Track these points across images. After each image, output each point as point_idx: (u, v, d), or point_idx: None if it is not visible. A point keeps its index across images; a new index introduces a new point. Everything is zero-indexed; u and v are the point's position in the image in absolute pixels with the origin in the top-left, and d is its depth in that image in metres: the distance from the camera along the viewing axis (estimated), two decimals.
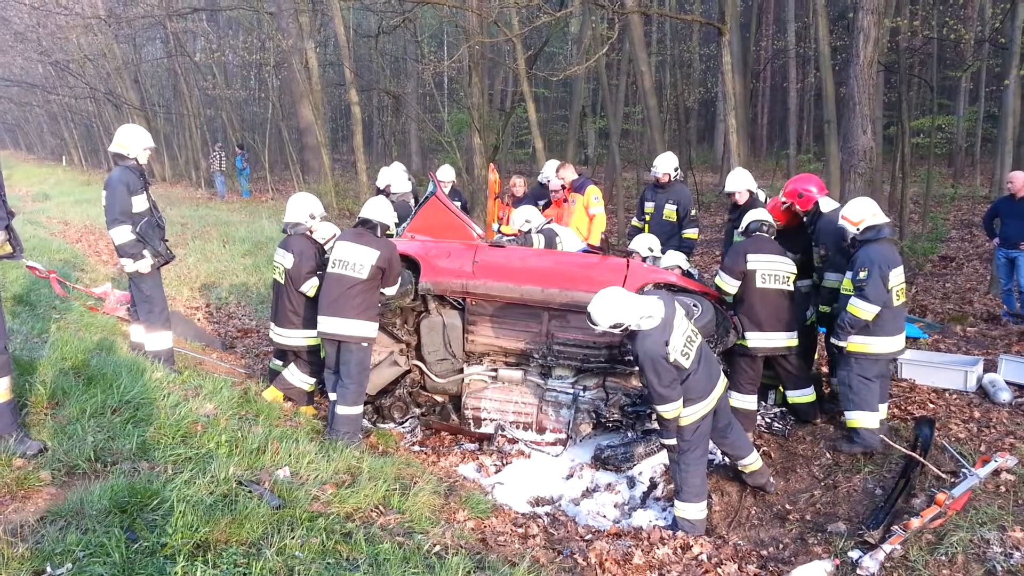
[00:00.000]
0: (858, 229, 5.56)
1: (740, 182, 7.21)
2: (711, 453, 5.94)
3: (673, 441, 4.92)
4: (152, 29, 26.11)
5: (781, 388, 6.41)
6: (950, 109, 21.51)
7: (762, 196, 7.31)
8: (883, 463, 5.40)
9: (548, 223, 7.57)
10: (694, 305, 6.00)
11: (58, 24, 24.22)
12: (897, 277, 5.43)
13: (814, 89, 23.24)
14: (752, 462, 5.37)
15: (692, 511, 4.99)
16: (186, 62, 24.46)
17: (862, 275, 5.40)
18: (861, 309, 5.38)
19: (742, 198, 7.19)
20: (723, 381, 5.09)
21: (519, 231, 7.36)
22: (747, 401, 6.01)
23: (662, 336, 4.66)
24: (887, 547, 4.33)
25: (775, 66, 26.94)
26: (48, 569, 3.03)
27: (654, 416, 6.14)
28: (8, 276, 8.32)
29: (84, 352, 5.63)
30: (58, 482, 3.85)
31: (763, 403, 6.40)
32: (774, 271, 5.92)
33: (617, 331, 4.75)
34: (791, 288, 6.00)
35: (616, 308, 4.69)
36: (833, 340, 5.69)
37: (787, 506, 5.26)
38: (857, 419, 5.55)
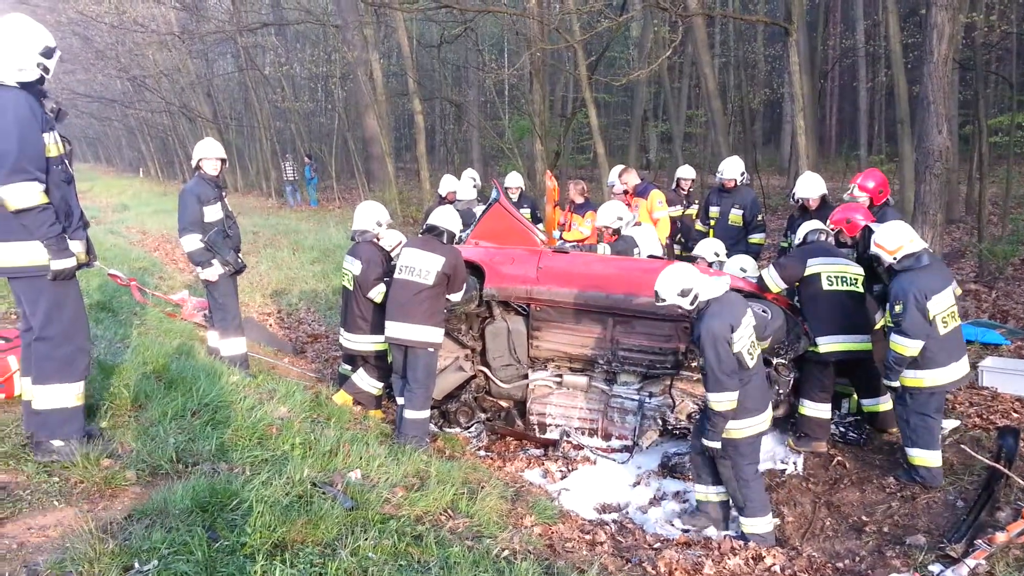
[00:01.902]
0: (895, 258, 5.22)
1: (812, 188, 7.05)
2: (783, 463, 5.84)
3: (716, 444, 4.78)
4: (223, 44, 27.01)
5: (855, 396, 6.24)
6: None
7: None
8: (964, 474, 5.20)
9: (633, 224, 7.45)
10: (763, 311, 5.89)
11: (135, 41, 25.29)
12: (940, 304, 5.07)
13: (885, 88, 22.51)
14: (718, 494, 5.15)
15: (760, 525, 4.91)
16: (256, 75, 25.18)
17: (898, 309, 5.11)
18: (902, 345, 5.09)
19: (814, 204, 7.03)
20: (770, 410, 4.96)
21: (605, 227, 7.29)
22: (820, 410, 5.86)
23: (729, 319, 4.61)
24: (970, 562, 4.17)
25: (843, 65, 26.19)
26: (136, 565, 3.14)
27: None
28: (91, 284, 8.71)
29: (164, 357, 5.86)
30: (143, 482, 4.01)
31: (837, 412, 6.24)
32: (840, 272, 5.79)
33: (685, 301, 4.75)
34: (860, 290, 5.82)
35: (683, 277, 4.77)
36: (885, 381, 5.40)
37: (863, 517, 5.10)
38: (918, 457, 5.23)
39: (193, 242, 6.33)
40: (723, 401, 4.65)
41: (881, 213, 6.40)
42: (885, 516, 5.06)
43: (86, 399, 4.25)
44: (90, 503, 3.73)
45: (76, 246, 4.08)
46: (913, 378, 5.18)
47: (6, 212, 3.81)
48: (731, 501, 5.08)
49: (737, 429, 4.76)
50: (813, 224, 6.20)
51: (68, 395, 4.03)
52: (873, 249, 5.40)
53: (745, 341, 4.67)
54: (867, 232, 6.01)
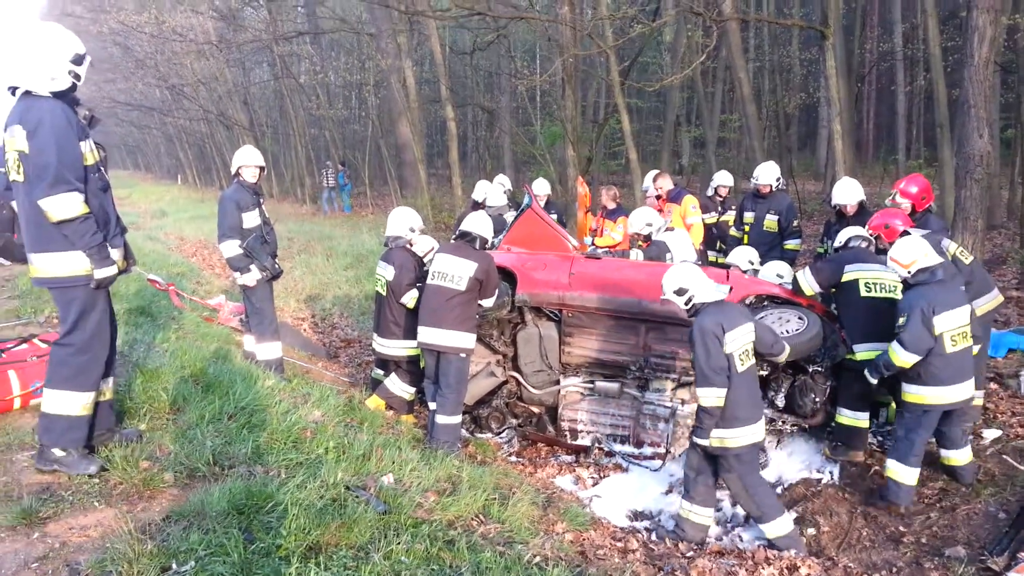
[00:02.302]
0: (909, 272, 5.16)
1: (850, 193, 6.95)
2: (819, 472, 5.76)
3: (705, 442, 4.84)
4: (260, 53, 27.43)
5: (894, 405, 6.12)
6: None
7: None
8: (1006, 485, 5.08)
9: (664, 229, 7.42)
10: (799, 318, 5.83)
11: (174, 51, 25.84)
12: (950, 321, 4.98)
13: (924, 92, 22.11)
14: (698, 514, 5.09)
15: (781, 527, 4.90)
16: (291, 83, 25.55)
17: (901, 321, 5.09)
18: (897, 355, 5.06)
19: (852, 210, 6.93)
20: (762, 432, 4.93)
21: (636, 234, 7.27)
22: (858, 418, 5.75)
23: (721, 320, 4.73)
24: (1013, 575, 4.07)
25: (881, 69, 25.82)
26: (173, 566, 3.19)
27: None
28: (130, 288, 8.88)
29: (202, 361, 5.95)
30: (180, 484, 4.07)
31: (875, 420, 6.13)
32: (877, 280, 5.71)
33: (681, 300, 4.94)
34: (898, 297, 5.72)
35: (683, 276, 4.95)
36: (867, 373, 5.38)
37: (901, 528, 5.01)
38: (891, 469, 5.16)
39: (232, 248, 6.42)
40: (710, 397, 4.74)
41: (923, 219, 6.28)
42: (923, 527, 4.96)
43: (116, 402, 4.32)
44: (129, 504, 3.80)
45: (114, 253, 4.11)
46: (914, 394, 5.12)
47: (45, 223, 3.84)
48: (746, 512, 5.12)
49: (732, 439, 4.79)
50: (854, 230, 6.12)
51: (75, 403, 4.01)
52: (888, 263, 5.38)
53: (738, 346, 4.74)
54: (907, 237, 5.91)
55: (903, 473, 5.10)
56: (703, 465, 5.03)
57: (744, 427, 4.78)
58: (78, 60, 3.93)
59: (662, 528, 5.36)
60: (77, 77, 3.95)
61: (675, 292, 4.98)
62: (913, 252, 5.17)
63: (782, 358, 5.20)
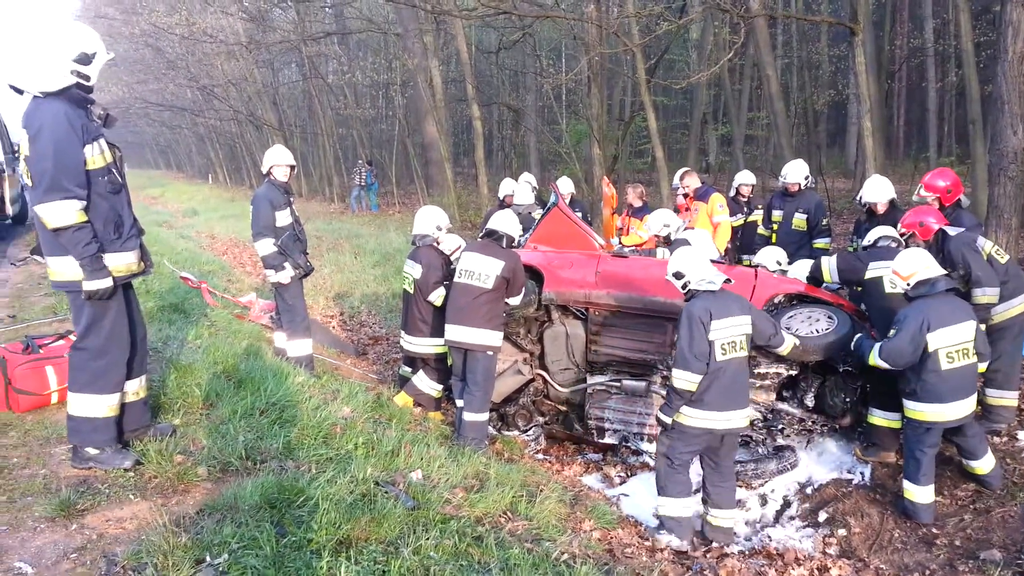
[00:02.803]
0: (908, 284, 5.10)
1: (881, 191, 6.86)
2: (849, 473, 5.71)
3: (668, 420, 4.93)
4: (288, 54, 27.70)
5: None
6: None
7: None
8: None
9: (684, 229, 7.39)
10: (828, 317, 5.77)
11: (204, 52, 26.18)
12: (946, 338, 4.88)
13: (955, 88, 21.74)
14: (721, 516, 5.05)
15: (674, 508, 4.99)
16: (319, 84, 25.76)
17: (891, 332, 5.05)
18: (873, 356, 5.11)
19: (882, 208, 6.84)
20: (743, 420, 4.92)
21: (657, 236, 7.26)
22: (890, 418, 5.68)
23: (711, 307, 4.79)
24: None
25: (911, 65, 25.41)
26: (207, 559, 3.24)
27: (785, 432, 5.97)
28: (164, 286, 9.03)
29: (234, 357, 6.04)
30: (213, 478, 4.13)
31: None
32: None
33: (679, 284, 5.04)
34: None
35: (684, 260, 5.03)
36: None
37: (934, 530, 4.94)
38: (906, 489, 5.09)
39: (267, 246, 6.52)
40: (683, 379, 4.78)
41: (954, 215, 6.19)
42: (957, 529, 4.89)
43: (151, 397, 4.37)
44: (164, 497, 3.87)
45: (128, 256, 4.06)
46: (913, 410, 5.06)
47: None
48: (656, 481, 5.15)
49: (687, 416, 4.85)
50: (884, 229, 6.07)
51: (100, 406, 4.03)
52: (889, 275, 5.36)
53: (724, 335, 4.78)
54: (941, 236, 5.84)
55: (917, 493, 5.02)
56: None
57: (705, 411, 4.82)
58: (84, 59, 3.81)
59: (650, 530, 5.30)
60: (84, 77, 3.83)
61: (674, 275, 5.09)
62: (914, 264, 5.09)
63: (783, 350, 5.21)
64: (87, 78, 3.85)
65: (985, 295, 5.53)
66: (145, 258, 4.25)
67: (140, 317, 4.40)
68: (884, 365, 5.06)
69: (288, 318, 6.76)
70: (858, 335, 5.40)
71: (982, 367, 5.10)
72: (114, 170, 4.00)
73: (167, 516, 3.52)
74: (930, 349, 4.89)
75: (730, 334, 4.81)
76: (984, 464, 5.16)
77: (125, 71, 33.72)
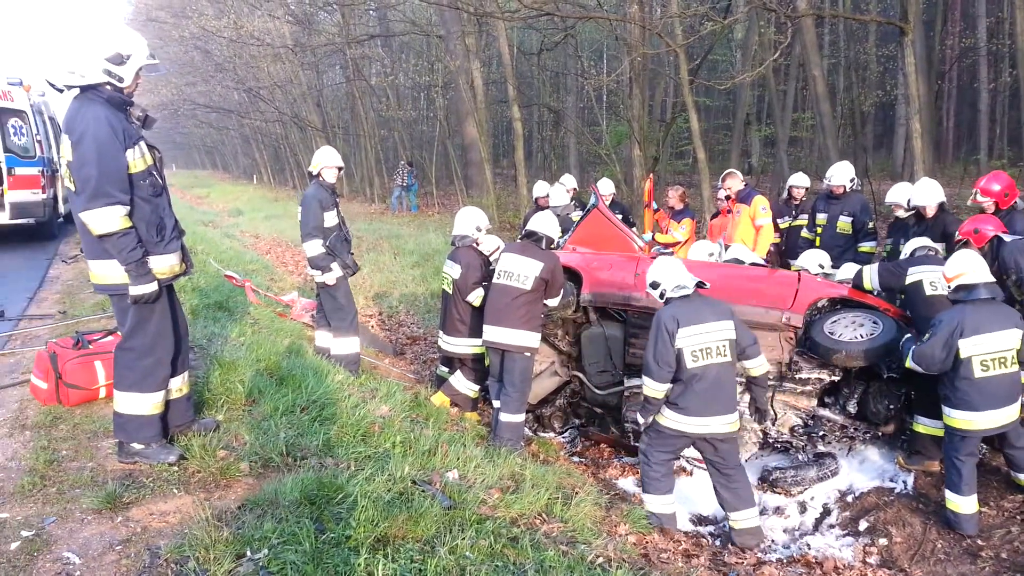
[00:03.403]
0: (950, 287, 5.01)
1: (930, 195, 6.70)
2: (892, 481, 5.59)
3: (642, 422, 5.07)
4: (333, 56, 28.04)
5: None
6: None
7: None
8: None
9: (723, 250, 7.34)
10: (873, 322, 5.66)
11: (251, 55, 26.67)
12: (981, 345, 4.75)
13: (1009, 89, 21.13)
14: (741, 519, 4.97)
15: (656, 504, 5.08)
16: (363, 86, 26.03)
17: (926, 336, 4.96)
18: (908, 359, 5.07)
19: (931, 212, 6.69)
20: (725, 425, 4.84)
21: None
22: (936, 426, 5.54)
23: (679, 314, 4.83)
24: None
25: (963, 65, 24.78)
26: (248, 553, 3.29)
27: (826, 439, 5.86)
28: (210, 284, 9.22)
29: (276, 355, 6.14)
30: (255, 473, 4.21)
31: None
32: (942, 279, 5.54)
33: (656, 293, 5.11)
34: None
35: (660, 269, 5.12)
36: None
37: (979, 542, 4.81)
38: (948, 500, 4.96)
39: (316, 247, 6.58)
40: (650, 387, 4.89)
41: (1009, 219, 6.04)
42: (1003, 541, 4.75)
43: (195, 393, 4.44)
44: (206, 492, 3.94)
45: (171, 259, 4.10)
46: (949, 416, 4.94)
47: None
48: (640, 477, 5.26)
49: (665, 417, 4.92)
50: (920, 241, 6.08)
51: (146, 404, 4.11)
52: (930, 278, 5.42)
53: (693, 342, 4.77)
54: (997, 242, 5.70)
55: (960, 503, 4.90)
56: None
57: (684, 416, 4.84)
58: (118, 60, 3.80)
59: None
60: (116, 77, 3.82)
61: (651, 285, 5.16)
62: (961, 266, 4.96)
63: (752, 365, 5.04)
64: (120, 79, 3.83)
65: None
66: (186, 258, 4.30)
67: (182, 316, 4.48)
68: (917, 368, 4.98)
69: (339, 316, 6.79)
70: (906, 337, 5.31)
71: None
72: (155, 172, 4.03)
73: (209, 510, 3.59)
74: (962, 355, 4.78)
75: (702, 340, 4.80)
76: None
77: (175, 73, 34.50)
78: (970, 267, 4.94)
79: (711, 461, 5.04)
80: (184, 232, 4.37)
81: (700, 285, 5.04)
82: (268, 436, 4.54)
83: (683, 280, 4.98)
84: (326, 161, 6.70)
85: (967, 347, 4.78)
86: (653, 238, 9.02)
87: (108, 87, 3.83)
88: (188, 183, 43.77)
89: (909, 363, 5.06)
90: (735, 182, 8.61)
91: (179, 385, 4.39)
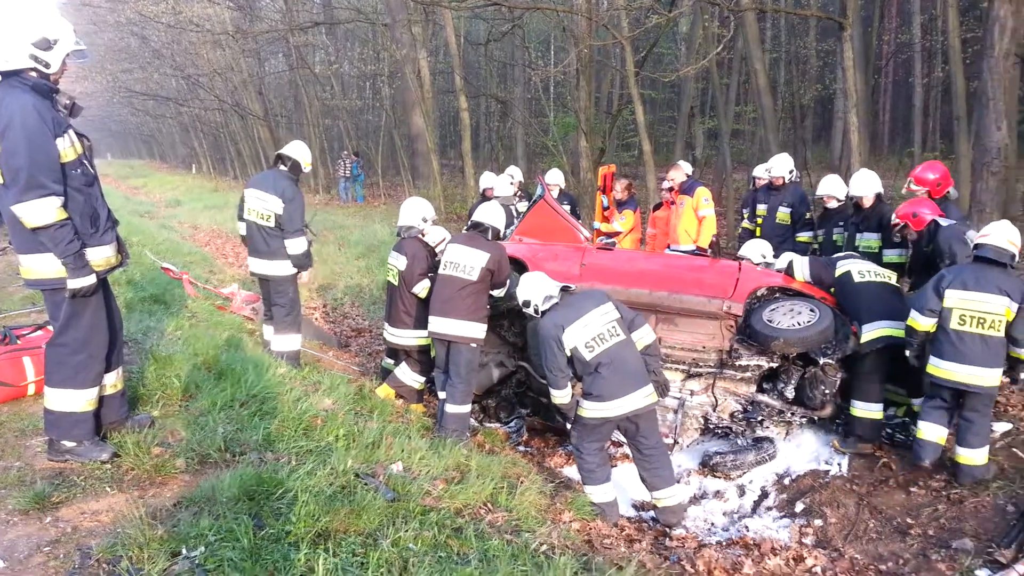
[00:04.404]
0: (976, 244, 5.27)
1: (868, 185, 6.90)
2: (827, 464, 5.76)
3: (567, 422, 5.23)
4: (275, 43, 27.49)
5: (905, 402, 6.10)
6: None
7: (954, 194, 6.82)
8: (1016, 478, 5.05)
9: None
10: (811, 310, 5.81)
11: (190, 41, 25.96)
12: (963, 299, 5.02)
13: (942, 84, 21.87)
14: (664, 497, 5.12)
15: (598, 494, 5.16)
16: (306, 74, 25.58)
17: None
18: (911, 318, 5.27)
19: (868, 202, 6.89)
20: (644, 399, 4.95)
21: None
22: (872, 410, 5.73)
23: (560, 320, 4.97)
24: (1020, 567, 4.07)
25: (899, 60, 25.54)
26: (183, 551, 3.22)
27: (764, 424, 6.01)
28: (146, 277, 8.97)
29: (214, 348, 6.00)
30: (192, 470, 4.11)
31: (886, 413, 6.10)
32: (867, 268, 5.96)
33: (529, 311, 5.23)
34: (893, 283, 6.02)
35: (525, 288, 5.23)
36: (907, 352, 5.45)
37: (908, 520, 4.99)
38: (959, 454, 5.17)
39: (303, 243, 6.45)
40: (556, 395, 5.08)
41: (943, 207, 6.26)
42: (931, 519, 4.94)
43: (129, 389, 4.33)
44: (140, 490, 3.84)
45: (106, 250, 3.99)
46: (928, 363, 5.22)
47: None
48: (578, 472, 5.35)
49: (586, 409, 5.00)
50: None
51: (78, 400, 3.99)
52: (857, 267, 5.75)
53: (580, 337, 4.92)
54: (934, 227, 5.91)
55: (924, 429, 5.24)
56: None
57: (600, 403, 4.93)
58: (44, 45, 3.67)
59: None
60: (43, 63, 3.69)
61: (524, 305, 5.27)
62: (988, 228, 5.21)
63: (640, 336, 5.16)
64: (46, 65, 3.71)
65: None
66: (122, 250, 4.19)
67: (117, 309, 4.35)
68: (921, 317, 5.18)
69: (286, 311, 6.62)
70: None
71: (1020, 352, 5.02)
72: (85, 161, 3.90)
73: (143, 508, 3.50)
74: (945, 304, 5.09)
75: (590, 331, 4.93)
76: (967, 454, 5.11)
77: (110, 59, 33.40)
78: (994, 231, 5.15)
79: (634, 443, 5.14)
80: (118, 222, 4.24)
81: (565, 288, 5.23)
82: (206, 432, 4.44)
83: (549, 290, 5.16)
84: (307, 156, 6.70)
85: (951, 298, 5.06)
86: (598, 228, 9.07)
87: (34, 73, 3.69)
88: (124, 173, 42.46)
89: (912, 319, 5.24)
90: (678, 174, 8.72)
91: (113, 381, 4.27)
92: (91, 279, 3.85)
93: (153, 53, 29.85)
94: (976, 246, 5.18)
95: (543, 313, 5.14)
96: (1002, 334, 4.98)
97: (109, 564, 3.12)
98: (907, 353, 5.40)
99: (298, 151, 6.66)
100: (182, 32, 24.86)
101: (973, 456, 5.09)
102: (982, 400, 5.08)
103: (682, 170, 8.85)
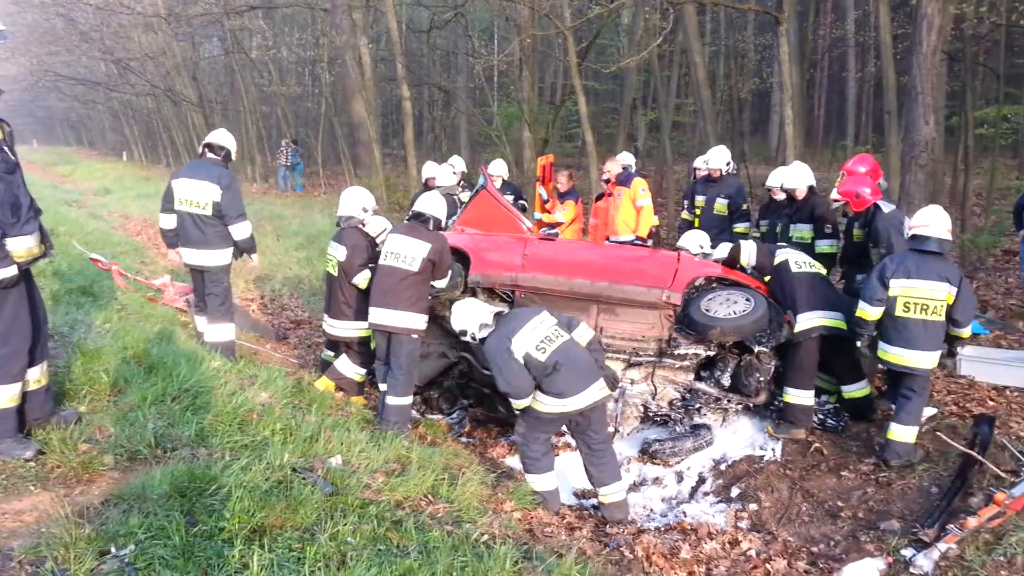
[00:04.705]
0: (910, 233, 5.42)
1: (800, 178, 7.07)
2: (761, 449, 5.90)
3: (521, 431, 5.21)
4: (210, 27, 26.68)
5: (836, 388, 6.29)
6: (1017, 98, 20.69)
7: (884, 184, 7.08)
8: (940, 461, 5.26)
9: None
10: (746, 299, 5.93)
11: (120, 23, 24.98)
12: (905, 288, 5.22)
13: (874, 79, 22.55)
14: (610, 493, 5.21)
15: (539, 483, 5.20)
16: (242, 59, 24.92)
17: (867, 277, 5.49)
18: (859, 307, 5.43)
19: (801, 194, 7.06)
20: (598, 392, 5.03)
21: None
22: (804, 396, 5.89)
23: (504, 333, 5.00)
24: (942, 546, 4.24)
25: (833, 55, 26.25)
26: (112, 550, 3.14)
27: (702, 411, 6.13)
28: (73, 268, 8.64)
29: (145, 342, 5.82)
30: (121, 467, 4.01)
31: (817, 400, 6.28)
32: (803, 259, 6.11)
33: (467, 337, 5.29)
34: (824, 273, 6.21)
35: (461, 318, 5.30)
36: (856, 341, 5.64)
37: (839, 503, 5.16)
38: (891, 430, 5.38)
39: (248, 228, 6.55)
40: (517, 404, 5.07)
41: None
42: (860, 502, 5.12)
43: (55, 384, 4.18)
44: (67, 488, 3.73)
45: (28, 240, 3.87)
46: (879, 348, 5.46)
47: None
48: (520, 461, 5.40)
49: (543, 404, 5.00)
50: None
51: (1, 396, 3.89)
52: (794, 258, 5.94)
53: (528, 342, 4.94)
54: (874, 211, 6.10)
55: (899, 432, 5.36)
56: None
57: (559, 399, 4.94)
58: None
59: None
60: None
61: (460, 335, 5.37)
62: (922, 218, 5.37)
63: (580, 335, 5.25)
64: None
65: None
66: (45, 239, 4.05)
67: (40, 302, 4.21)
68: (869, 307, 5.33)
69: (220, 301, 6.57)
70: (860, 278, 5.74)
71: (962, 332, 5.33)
72: (6, 148, 3.77)
73: (69, 507, 3.40)
74: (890, 293, 5.27)
75: (537, 335, 4.98)
76: (898, 431, 5.31)
77: (34, 42, 31.93)
78: (931, 221, 5.31)
79: (583, 437, 5.16)
80: (41, 211, 4.09)
81: (498, 314, 5.27)
82: (135, 427, 4.32)
83: (483, 318, 5.22)
84: (235, 144, 6.79)
85: (896, 287, 5.25)
86: (539, 220, 9.10)
87: None
88: (50, 160, 40.73)
89: (861, 309, 5.39)
90: (614, 166, 8.79)
91: (37, 376, 4.13)
92: (11, 270, 3.74)
93: (80, 36, 28.58)
94: (915, 237, 5.32)
95: (483, 339, 5.17)
96: (943, 318, 5.22)
97: (32, 566, 3.02)
98: (858, 344, 5.58)
99: (228, 139, 6.70)
100: (111, 14, 23.92)
101: (902, 433, 5.30)
102: (919, 381, 5.33)
103: (618, 162, 8.92)
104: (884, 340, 5.38)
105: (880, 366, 5.72)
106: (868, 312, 5.36)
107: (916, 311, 5.22)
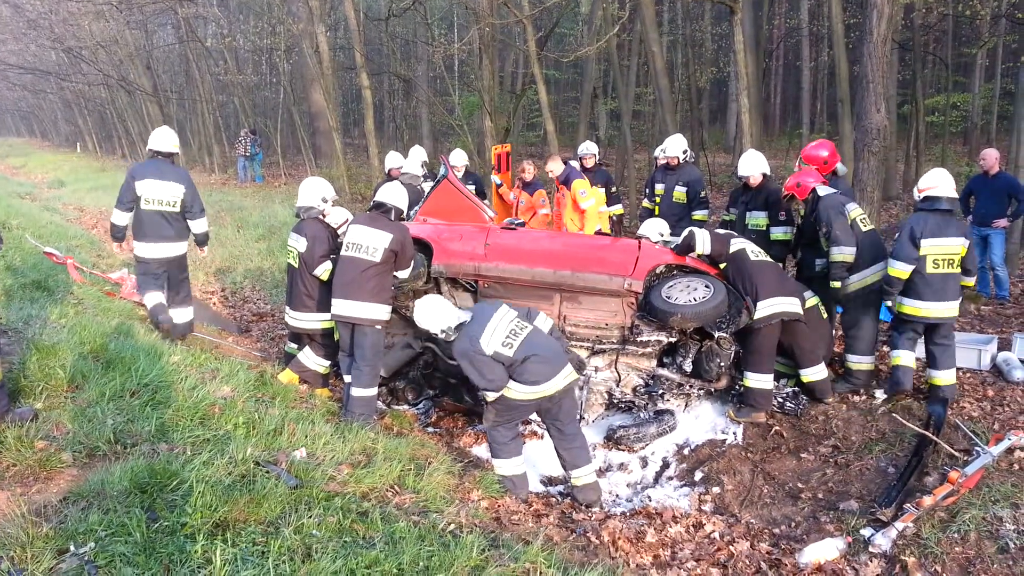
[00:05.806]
0: (919, 196, 5.86)
1: (754, 165, 7.18)
2: (723, 433, 6.00)
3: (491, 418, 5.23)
4: (164, 15, 26.06)
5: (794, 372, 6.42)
6: (965, 86, 21.23)
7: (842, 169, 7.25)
8: (895, 442, 5.41)
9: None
10: (706, 286, 6.01)
11: (70, 11, 24.22)
12: (934, 247, 5.65)
13: (827, 68, 22.95)
14: (583, 475, 5.29)
15: (505, 467, 5.24)
16: (198, 48, 24.45)
17: (896, 237, 5.85)
18: (892, 267, 5.77)
19: (755, 182, 7.18)
20: (567, 377, 5.10)
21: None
22: (764, 381, 6.00)
23: (473, 333, 5.04)
24: (899, 525, 4.37)
25: (788, 45, 26.61)
26: (71, 548, 3.09)
27: (665, 397, 6.21)
28: (27, 262, 8.43)
29: (102, 336, 5.71)
30: (79, 464, 3.93)
31: (776, 384, 6.41)
32: (758, 249, 6.25)
33: (443, 336, 5.32)
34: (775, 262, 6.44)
35: (427, 319, 5.35)
36: (886, 302, 6.09)
37: (799, 485, 5.28)
38: (892, 356, 5.97)
39: (206, 223, 7.12)
40: (490, 396, 5.07)
41: (832, 184, 6.60)
42: (820, 483, 5.25)
43: (10, 381, 4.11)
44: (24, 486, 3.65)
45: None
46: (900, 304, 5.87)
47: None
48: (488, 447, 5.46)
49: (516, 391, 5.03)
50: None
51: None
52: (750, 247, 6.11)
53: (494, 341, 4.99)
54: (815, 196, 6.25)
55: (899, 356, 5.91)
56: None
57: (532, 386, 4.98)
58: None
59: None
60: None
61: (436, 337, 5.45)
62: (931, 180, 5.86)
63: (540, 322, 5.34)
64: None
65: (841, 253, 6.09)
66: None
67: None
68: (902, 265, 5.69)
69: (185, 288, 7.10)
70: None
71: (968, 281, 5.89)
72: None
73: (26, 506, 3.34)
74: (920, 253, 5.67)
75: (503, 330, 5.03)
76: (944, 376, 5.80)
77: None
78: (939, 183, 5.79)
79: (554, 422, 5.21)
80: None
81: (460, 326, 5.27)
82: (94, 424, 4.24)
83: (451, 318, 5.27)
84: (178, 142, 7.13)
85: (926, 246, 5.66)
86: (517, 214, 9.04)
87: None
88: (1, 152, 39.55)
89: (893, 268, 5.74)
90: (556, 165, 8.74)
91: None
92: None
93: (28, 23, 27.72)
94: (927, 198, 5.76)
95: (451, 341, 5.23)
96: (959, 270, 5.75)
97: None
98: (886, 302, 6.06)
99: (174, 141, 7.02)
100: (60, 1, 23.24)
101: (947, 377, 5.79)
102: (948, 328, 5.88)
103: (559, 161, 8.85)
104: (915, 297, 5.75)
105: (836, 349, 5.88)
106: (902, 270, 5.70)
107: (944, 266, 5.69)
